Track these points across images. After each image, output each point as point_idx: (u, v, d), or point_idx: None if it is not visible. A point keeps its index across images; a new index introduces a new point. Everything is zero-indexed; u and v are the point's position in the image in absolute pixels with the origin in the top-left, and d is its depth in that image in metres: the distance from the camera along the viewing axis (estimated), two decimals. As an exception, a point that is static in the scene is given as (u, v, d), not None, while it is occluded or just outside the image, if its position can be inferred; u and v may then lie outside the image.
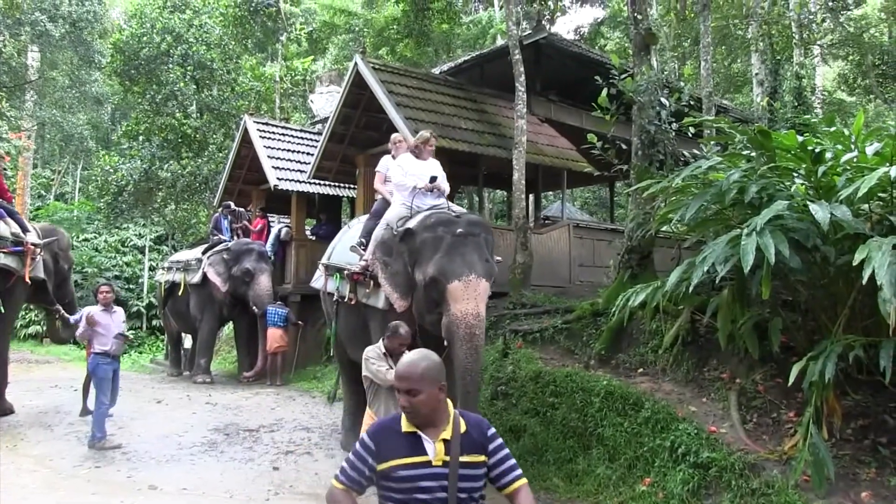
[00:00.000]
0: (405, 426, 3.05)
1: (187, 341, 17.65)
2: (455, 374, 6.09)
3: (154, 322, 27.66)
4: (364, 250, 7.76)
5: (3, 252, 9.95)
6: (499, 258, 7.32)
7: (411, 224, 7.02)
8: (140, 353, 22.21)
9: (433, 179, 7.45)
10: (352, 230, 9.07)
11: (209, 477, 7.67)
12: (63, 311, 11.25)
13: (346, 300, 8.15)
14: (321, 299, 9.91)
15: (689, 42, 21.93)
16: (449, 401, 3.13)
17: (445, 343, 6.33)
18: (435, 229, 6.73)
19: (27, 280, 10.20)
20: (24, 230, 10.47)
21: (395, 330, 6.18)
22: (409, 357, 3.11)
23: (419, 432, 3.03)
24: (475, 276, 6.36)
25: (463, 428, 3.07)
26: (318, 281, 9.39)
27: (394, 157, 8.42)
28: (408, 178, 7.52)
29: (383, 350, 6.16)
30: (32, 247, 10.29)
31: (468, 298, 6.28)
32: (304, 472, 7.99)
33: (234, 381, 15.02)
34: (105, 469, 7.89)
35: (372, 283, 7.41)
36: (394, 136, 9.05)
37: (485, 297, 6.49)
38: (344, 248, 8.60)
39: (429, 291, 6.58)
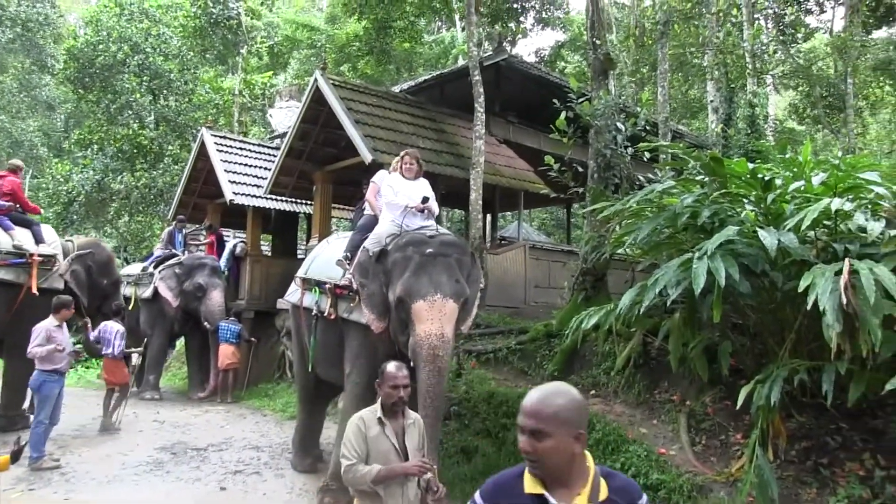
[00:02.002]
0: (528, 485, 2.38)
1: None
2: (419, 396, 5.95)
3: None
4: (350, 264, 7.59)
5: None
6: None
7: (387, 246, 6.96)
8: (87, 368, 21.69)
9: (425, 200, 7.36)
10: (331, 245, 8.88)
11: (154, 498, 7.54)
12: (89, 325, 11.24)
13: (324, 315, 7.90)
14: (291, 315, 9.69)
15: (647, 68, 22.22)
16: (588, 455, 2.44)
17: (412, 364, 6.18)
18: (405, 249, 6.65)
19: (34, 292, 10.21)
20: (38, 241, 10.55)
21: (383, 371, 4.66)
22: (540, 389, 2.44)
23: (546, 494, 2.34)
24: (441, 296, 6.21)
25: (604, 493, 2.38)
26: (294, 295, 9.07)
27: (389, 174, 8.26)
28: (399, 197, 7.41)
29: (378, 413, 4.57)
30: (39, 258, 10.35)
31: (432, 319, 6.12)
32: (252, 492, 7.88)
33: (183, 398, 14.80)
34: (40, 491, 7.63)
35: (357, 297, 7.21)
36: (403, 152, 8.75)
37: (451, 318, 6.28)
38: (323, 262, 8.44)
39: (398, 312, 6.47)
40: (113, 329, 11.00)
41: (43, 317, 9.44)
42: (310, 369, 8.52)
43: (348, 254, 7.75)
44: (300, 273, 8.93)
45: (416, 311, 6.21)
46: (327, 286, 7.91)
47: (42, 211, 12.31)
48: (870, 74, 24.01)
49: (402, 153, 8.03)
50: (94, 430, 10.72)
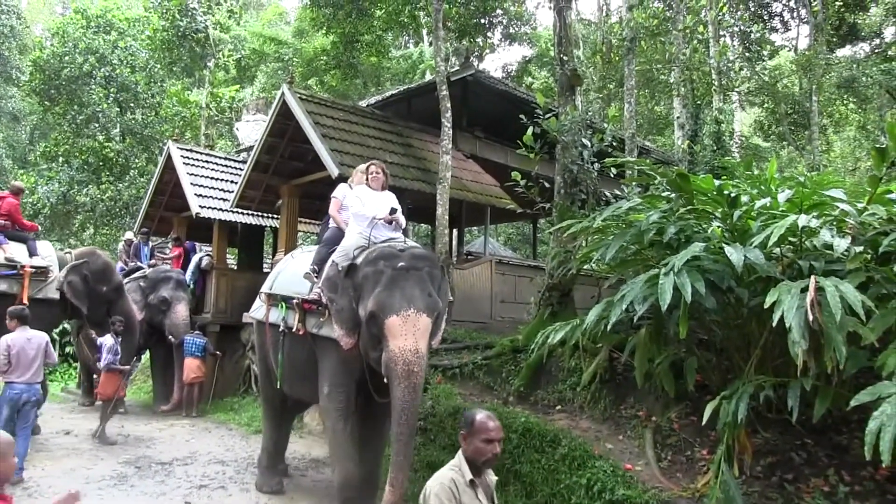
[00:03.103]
0: None
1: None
2: (392, 413, 5.97)
3: (67, 349, 26.82)
4: (318, 278, 7.40)
5: None
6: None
7: (356, 259, 6.81)
8: (51, 381, 21.41)
9: (393, 211, 7.27)
10: (296, 260, 8.68)
11: (117, 512, 7.41)
12: (93, 333, 12.06)
13: (292, 331, 7.67)
14: (255, 331, 9.40)
15: (614, 84, 22.41)
16: None
17: (385, 381, 6.11)
18: (376, 263, 6.50)
19: (24, 301, 10.43)
20: (32, 255, 10.97)
21: (471, 421, 3.86)
22: None
23: None
24: (414, 311, 6.10)
25: None
26: (259, 311, 8.76)
27: (351, 187, 8.14)
28: (366, 208, 7.28)
29: (468, 476, 3.75)
30: (31, 269, 10.76)
31: (406, 334, 6.02)
32: (217, 507, 7.77)
33: (148, 411, 14.60)
34: (1, 506, 7.52)
35: (327, 312, 7.03)
36: (360, 166, 8.49)
37: (425, 333, 6.18)
38: (289, 276, 8.25)
39: (370, 327, 6.33)
40: (104, 343, 11.19)
41: (41, 327, 9.77)
42: (278, 387, 8.26)
43: (315, 267, 7.59)
44: (265, 288, 8.73)
45: (389, 327, 6.09)
46: (294, 301, 7.70)
47: (39, 228, 12.48)
48: (834, 92, 24.43)
49: (367, 164, 7.95)
50: (57, 443, 10.58)
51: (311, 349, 7.52)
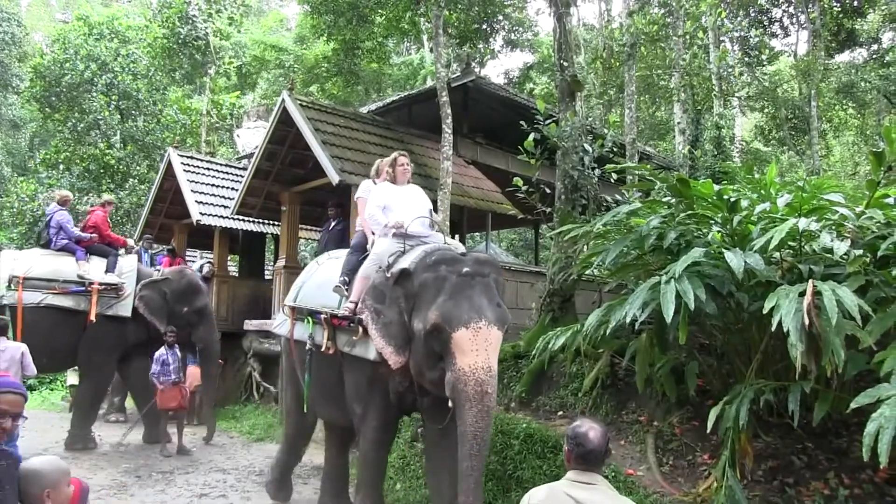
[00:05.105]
0: None
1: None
2: (460, 442, 5.23)
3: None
4: (348, 290, 6.68)
5: (52, 293, 10.51)
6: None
7: (407, 263, 6.00)
8: (52, 389, 21.39)
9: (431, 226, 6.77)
10: (322, 267, 7.87)
11: (118, 520, 7.42)
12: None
13: (321, 349, 6.85)
14: (282, 348, 8.75)
15: (615, 90, 22.40)
16: None
17: (450, 404, 5.42)
18: (437, 268, 5.74)
19: (91, 318, 10.64)
20: (108, 271, 11.07)
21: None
22: None
23: None
24: (486, 323, 5.37)
25: None
26: (283, 326, 7.98)
27: (375, 183, 7.46)
28: (389, 212, 6.76)
29: None
30: (100, 287, 10.79)
31: (478, 350, 5.28)
32: (218, 514, 7.78)
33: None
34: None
35: (361, 329, 6.17)
36: (384, 160, 7.66)
37: (497, 348, 5.49)
38: (315, 287, 7.47)
39: (430, 342, 5.55)
40: (156, 355, 11.06)
41: (111, 343, 10.55)
42: (305, 410, 7.56)
43: (346, 279, 6.84)
44: (288, 300, 7.94)
45: (457, 342, 5.33)
46: (322, 316, 6.89)
47: (127, 242, 12.17)
48: (833, 97, 24.52)
49: (393, 155, 7.37)
50: (56, 453, 10.53)
51: (341, 369, 6.86)
